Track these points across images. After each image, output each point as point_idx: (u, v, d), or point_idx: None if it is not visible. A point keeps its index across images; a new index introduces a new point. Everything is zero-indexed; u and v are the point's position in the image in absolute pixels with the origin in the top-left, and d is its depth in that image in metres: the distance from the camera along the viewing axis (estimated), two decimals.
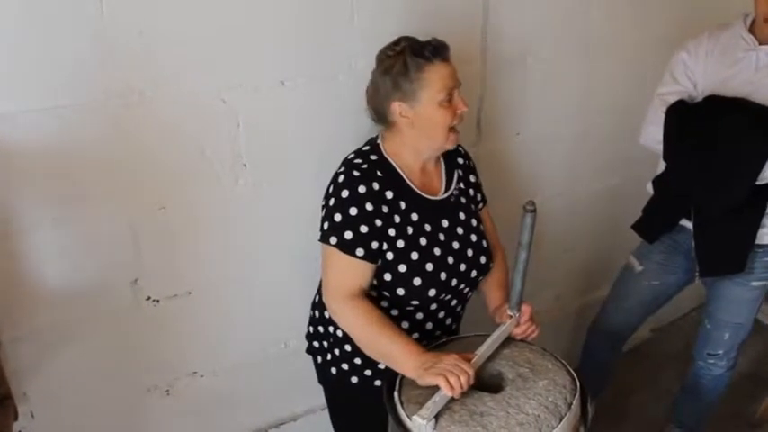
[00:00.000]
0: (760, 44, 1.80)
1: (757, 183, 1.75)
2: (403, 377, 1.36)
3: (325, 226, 1.45)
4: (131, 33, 1.37)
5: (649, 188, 2.05)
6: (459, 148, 1.66)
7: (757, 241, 1.89)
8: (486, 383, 1.35)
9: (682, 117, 1.83)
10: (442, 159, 1.60)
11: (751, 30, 1.84)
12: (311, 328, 1.70)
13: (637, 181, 2.18)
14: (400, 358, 1.36)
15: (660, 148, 1.88)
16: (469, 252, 1.55)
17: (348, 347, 1.56)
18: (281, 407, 1.98)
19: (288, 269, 1.78)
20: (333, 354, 1.61)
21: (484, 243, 1.60)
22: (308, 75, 1.62)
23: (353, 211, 1.42)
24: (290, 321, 1.84)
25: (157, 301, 1.62)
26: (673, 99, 1.86)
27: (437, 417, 1.21)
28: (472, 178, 1.66)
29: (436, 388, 1.25)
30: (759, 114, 1.74)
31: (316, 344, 1.69)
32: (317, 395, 1.97)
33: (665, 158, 1.90)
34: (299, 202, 1.70)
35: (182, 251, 1.61)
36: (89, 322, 1.55)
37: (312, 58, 1.61)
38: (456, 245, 1.53)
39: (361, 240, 1.42)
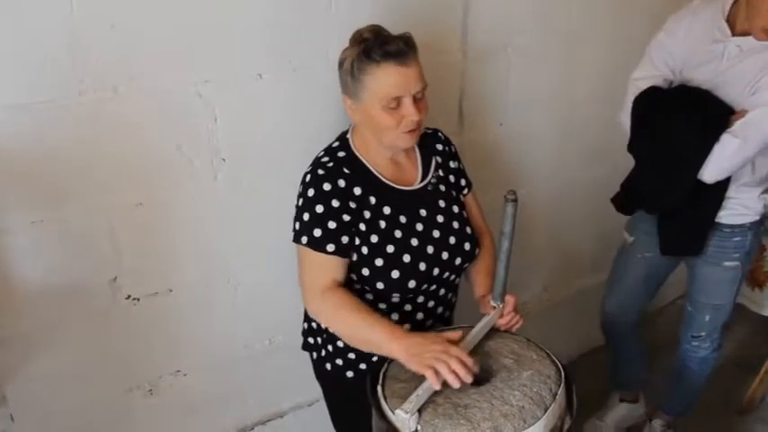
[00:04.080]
0: (734, 34, 1.75)
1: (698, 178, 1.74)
2: (386, 371, 1.34)
3: (297, 226, 1.45)
4: (103, 27, 1.35)
5: None
6: (440, 134, 1.64)
7: (728, 221, 1.89)
8: None
9: (643, 110, 1.81)
10: (417, 148, 1.58)
11: (731, 14, 1.78)
12: (305, 325, 1.69)
13: (621, 169, 2.17)
14: (384, 343, 1.33)
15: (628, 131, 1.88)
16: (452, 240, 1.53)
17: (340, 344, 1.56)
18: (267, 404, 1.97)
19: (270, 264, 1.76)
20: (326, 350, 1.60)
21: (468, 229, 1.58)
22: (286, 67, 1.60)
23: (320, 208, 1.42)
24: (275, 317, 1.83)
25: (138, 299, 1.60)
26: (645, 85, 1.83)
27: (420, 410, 1.20)
28: (453, 164, 1.64)
29: (421, 380, 1.24)
30: (710, 114, 1.72)
31: (311, 340, 1.67)
32: (304, 391, 1.97)
33: (629, 148, 1.89)
34: (280, 196, 1.68)
35: (161, 249, 1.59)
36: (68, 322, 1.53)
37: (289, 49, 1.59)
38: (437, 233, 1.51)
39: (330, 236, 1.41)
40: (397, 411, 1.19)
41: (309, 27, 1.60)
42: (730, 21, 1.77)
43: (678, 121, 1.74)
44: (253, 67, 1.56)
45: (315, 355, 1.67)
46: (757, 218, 1.92)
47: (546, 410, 1.24)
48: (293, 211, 1.49)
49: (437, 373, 1.22)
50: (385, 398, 1.27)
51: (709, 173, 1.72)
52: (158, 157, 1.50)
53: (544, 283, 2.62)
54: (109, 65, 1.38)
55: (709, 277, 2.01)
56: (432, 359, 1.24)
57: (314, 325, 1.64)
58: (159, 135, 1.49)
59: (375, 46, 1.35)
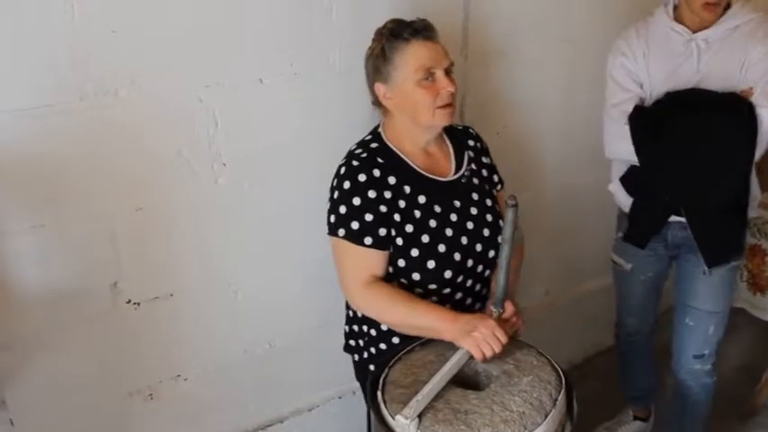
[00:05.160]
0: (693, 32, 1.77)
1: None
2: (386, 377, 1.34)
3: (332, 219, 1.46)
4: (104, 32, 1.35)
5: (612, 189, 2.00)
6: (471, 131, 1.67)
7: None
8: (471, 381, 1.33)
9: (648, 123, 1.79)
10: (448, 141, 1.60)
11: (677, 17, 1.80)
12: (347, 327, 1.70)
13: None
14: (439, 327, 1.38)
15: (633, 159, 1.84)
16: (486, 232, 1.54)
17: (383, 346, 1.56)
18: (268, 408, 1.96)
19: (271, 269, 1.76)
20: (369, 352, 1.61)
21: (500, 223, 1.58)
22: (287, 71, 1.60)
23: (357, 200, 1.43)
24: (275, 322, 1.83)
25: (138, 304, 1.60)
26: (629, 107, 1.82)
27: (420, 416, 1.20)
28: (485, 159, 1.66)
29: (419, 386, 1.24)
30: (723, 106, 1.72)
31: (352, 342, 1.68)
32: (304, 396, 1.96)
33: (643, 168, 1.85)
34: (280, 200, 1.68)
35: (161, 253, 1.59)
36: (69, 327, 1.53)
37: (290, 54, 1.59)
38: (470, 225, 1.52)
39: (368, 229, 1.43)
40: (398, 417, 1.19)
41: (310, 32, 1.60)
42: (680, 23, 1.80)
43: (701, 118, 1.73)
44: (253, 71, 1.56)
45: (357, 357, 1.67)
46: (755, 214, 1.93)
47: (546, 416, 1.23)
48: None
49: (483, 353, 1.31)
50: (385, 403, 1.27)
51: (761, 149, 1.72)
52: (159, 162, 1.50)
53: (546, 287, 2.61)
54: (110, 70, 1.38)
55: (714, 281, 1.94)
56: (482, 341, 1.31)
57: (355, 328, 1.64)
58: (160, 140, 1.49)
59: (402, 27, 1.44)
